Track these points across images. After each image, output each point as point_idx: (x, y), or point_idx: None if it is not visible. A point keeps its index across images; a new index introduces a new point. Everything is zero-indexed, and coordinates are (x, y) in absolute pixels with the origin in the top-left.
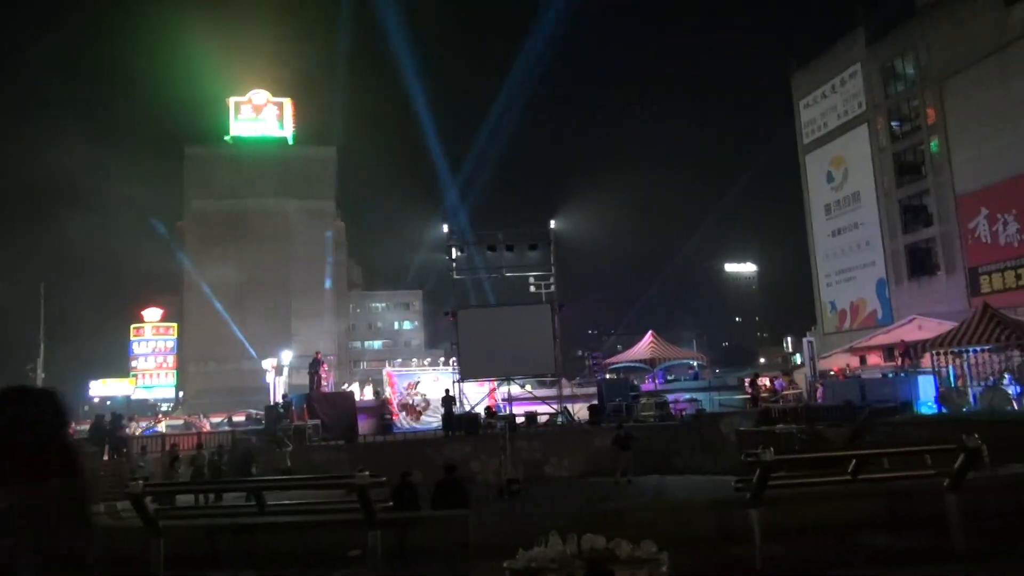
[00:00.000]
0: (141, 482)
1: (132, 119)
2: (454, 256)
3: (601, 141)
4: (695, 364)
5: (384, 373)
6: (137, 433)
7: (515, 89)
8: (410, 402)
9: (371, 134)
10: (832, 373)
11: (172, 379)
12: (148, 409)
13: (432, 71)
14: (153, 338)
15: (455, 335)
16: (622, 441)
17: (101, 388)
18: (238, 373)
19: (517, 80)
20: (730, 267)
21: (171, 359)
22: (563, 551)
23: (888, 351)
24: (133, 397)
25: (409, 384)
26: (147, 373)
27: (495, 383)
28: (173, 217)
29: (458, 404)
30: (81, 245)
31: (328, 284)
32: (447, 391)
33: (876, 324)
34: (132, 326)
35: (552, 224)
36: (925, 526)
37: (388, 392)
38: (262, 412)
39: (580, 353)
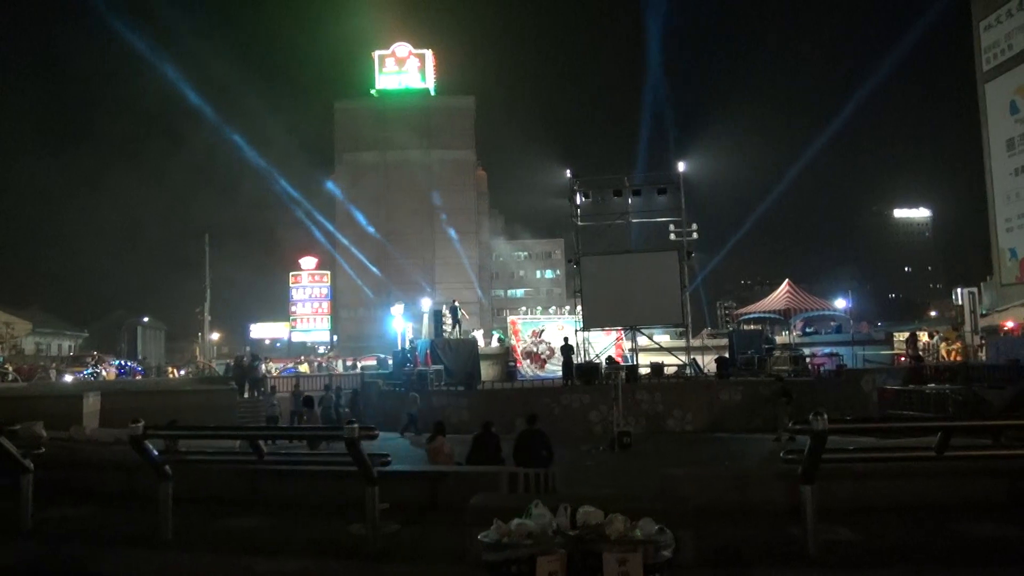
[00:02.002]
0: (141, 425)
1: (286, 80)
2: (578, 202)
3: (741, 77)
4: (839, 316)
5: (508, 320)
6: (275, 373)
7: (648, 26)
8: (534, 350)
9: (510, 82)
10: (1007, 329)
11: (327, 324)
12: (308, 351)
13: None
14: (310, 285)
15: (578, 282)
16: (781, 392)
17: (260, 330)
18: (387, 319)
19: (651, 18)
20: (900, 213)
21: (326, 305)
22: (547, 524)
23: None
24: (292, 340)
25: (534, 332)
26: (304, 318)
27: (621, 332)
28: (327, 170)
29: (582, 353)
30: (244, 204)
31: (470, 233)
32: (565, 339)
33: None
34: (291, 273)
35: (681, 167)
36: None
37: (513, 340)
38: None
39: (716, 303)
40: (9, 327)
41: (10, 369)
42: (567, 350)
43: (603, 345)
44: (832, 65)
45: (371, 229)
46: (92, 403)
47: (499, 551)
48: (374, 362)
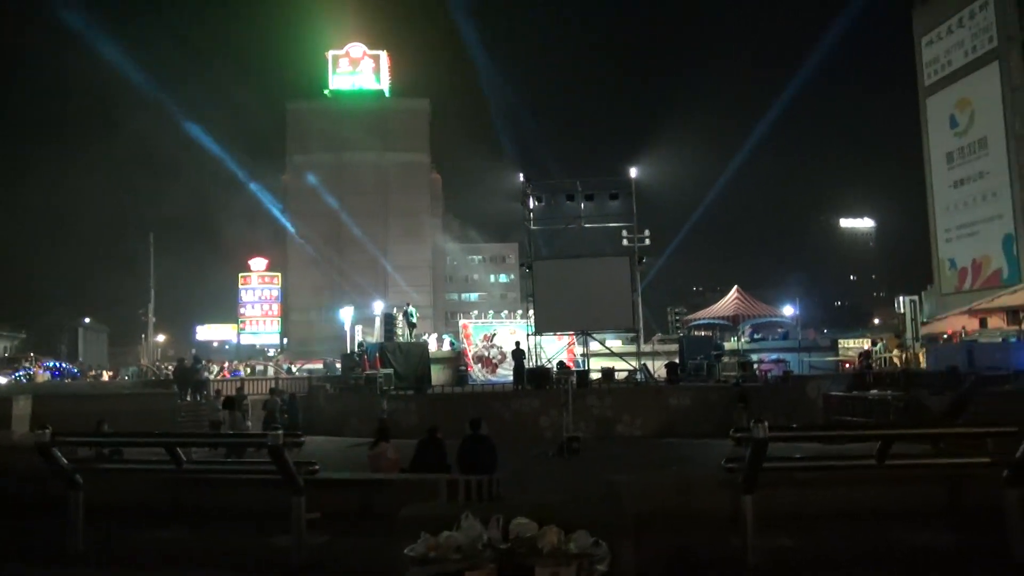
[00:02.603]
0: (48, 431)
1: (236, 77)
2: (531, 206)
3: (690, 83)
4: (786, 322)
5: (460, 324)
6: (215, 376)
7: (596, 29)
8: (486, 354)
9: (464, 85)
10: (946, 336)
11: (277, 326)
12: (257, 354)
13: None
14: (260, 286)
15: (531, 287)
16: (739, 398)
17: (207, 332)
18: (337, 322)
19: (598, 21)
20: (846, 222)
21: (276, 307)
22: (477, 537)
23: (1012, 314)
24: (240, 342)
25: (485, 336)
26: (253, 320)
27: (573, 337)
28: (278, 170)
29: (534, 358)
30: (190, 200)
31: (424, 237)
32: (517, 344)
33: (1001, 284)
34: (240, 275)
35: (633, 172)
36: (977, 524)
37: (464, 344)
38: (338, 360)
39: (667, 309)
40: None
41: None
42: (518, 354)
43: (555, 350)
44: (781, 74)
45: (322, 230)
46: (22, 407)
47: (426, 565)
48: (320, 365)
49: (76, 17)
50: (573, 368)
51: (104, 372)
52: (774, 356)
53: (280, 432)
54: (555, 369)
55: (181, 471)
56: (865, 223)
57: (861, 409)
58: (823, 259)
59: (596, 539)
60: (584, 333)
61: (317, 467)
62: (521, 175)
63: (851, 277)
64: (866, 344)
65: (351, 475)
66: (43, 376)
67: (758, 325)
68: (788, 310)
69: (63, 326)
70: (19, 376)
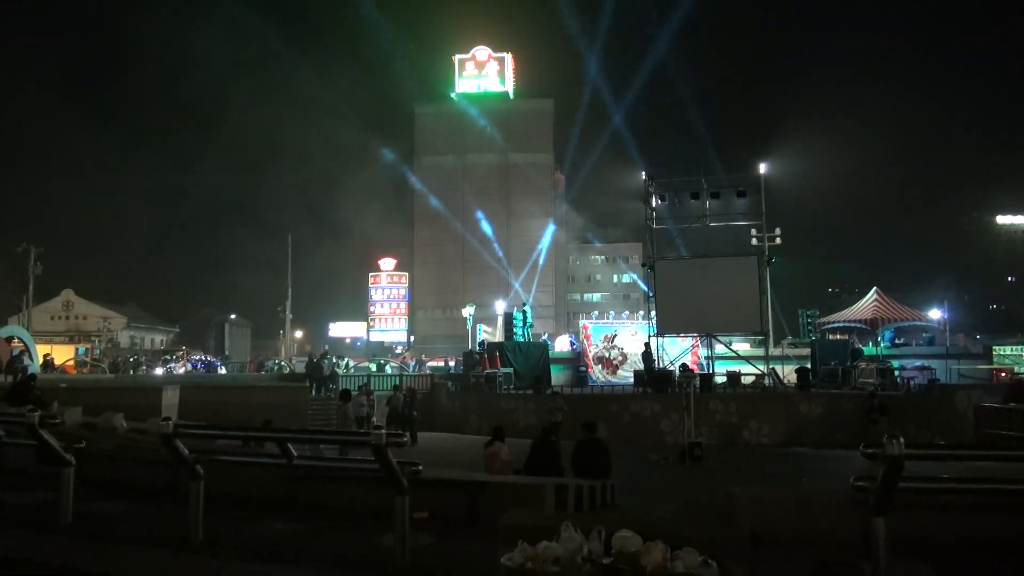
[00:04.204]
0: (171, 422)
1: (366, 83)
2: (654, 204)
3: (824, 72)
4: (932, 327)
5: (580, 325)
6: (342, 372)
7: (728, 24)
8: (606, 355)
9: (589, 83)
10: None
11: (404, 324)
12: (386, 351)
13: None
14: (388, 285)
15: (652, 287)
16: (875, 411)
17: (339, 329)
18: (462, 320)
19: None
20: (1003, 219)
21: (403, 305)
22: (576, 549)
23: None
24: (369, 339)
25: (606, 337)
26: (382, 318)
27: (697, 339)
28: (408, 172)
29: (656, 360)
30: (325, 202)
31: (547, 236)
32: (646, 344)
33: None
34: (370, 274)
35: (762, 169)
36: None
37: (584, 345)
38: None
39: (797, 311)
40: (106, 321)
41: (105, 363)
42: (647, 356)
43: (678, 352)
44: (925, 63)
45: (448, 230)
46: (171, 396)
47: None
48: (442, 363)
49: (207, 19)
50: (697, 371)
51: (249, 364)
52: (918, 363)
53: (383, 431)
54: (678, 372)
55: (292, 466)
56: None
57: (1019, 424)
58: (976, 259)
59: (705, 558)
60: (709, 335)
61: (420, 467)
62: (643, 173)
63: (1009, 279)
64: None
65: (457, 475)
66: (185, 369)
67: (900, 329)
68: (935, 314)
69: (211, 321)
70: (167, 368)
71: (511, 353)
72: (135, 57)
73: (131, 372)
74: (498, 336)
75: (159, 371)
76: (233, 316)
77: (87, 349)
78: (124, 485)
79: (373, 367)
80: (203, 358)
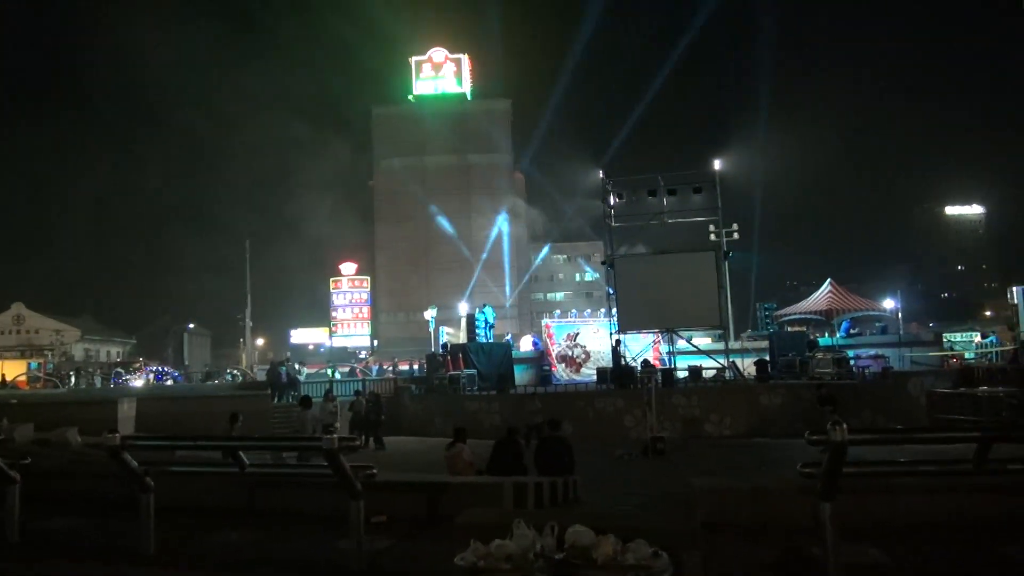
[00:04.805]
0: (118, 435)
1: (323, 84)
2: (612, 202)
3: (780, 66)
4: (885, 316)
5: (542, 324)
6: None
7: (682, 21)
8: (569, 354)
9: (545, 84)
10: None
11: (367, 328)
12: (349, 356)
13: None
14: (349, 290)
15: (612, 284)
16: (824, 400)
17: (301, 335)
18: (425, 323)
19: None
20: (952, 210)
21: (366, 310)
22: (529, 546)
23: None
24: (332, 345)
25: (569, 336)
26: (344, 323)
27: (658, 336)
28: (365, 176)
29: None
30: (283, 206)
31: (507, 236)
32: (617, 341)
33: None
34: (331, 279)
35: (717, 165)
36: None
37: (547, 344)
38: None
39: (755, 305)
40: (59, 334)
41: (59, 378)
42: (616, 353)
43: (639, 348)
44: (876, 57)
45: (409, 233)
46: (127, 409)
47: (475, 575)
48: (406, 367)
49: (158, 14)
50: (659, 367)
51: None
52: (872, 352)
53: (335, 436)
54: (639, 368)
55: (244, 474)
56: (974, 210)
57: (969, 407)
58: (927, 249)
59: (656, 549)
60: (669, 331)
61: (375, 471)
62: (600, 172)
63: (959, 267)
64: (977, 337)
65: (416, 477)
66: (143, 381)
67: (855, 319)
68: (888, 303)
69: (169, 331)
70: (121, 381)
71: (474, 354)
72: (82, 52)
73: (72, 384)
74: (461, 338)
75: (113, 384)
76: (192, 325)
77: (40, 364)
78: (79, 500)
79: (330, 373)
80: (161, 369)
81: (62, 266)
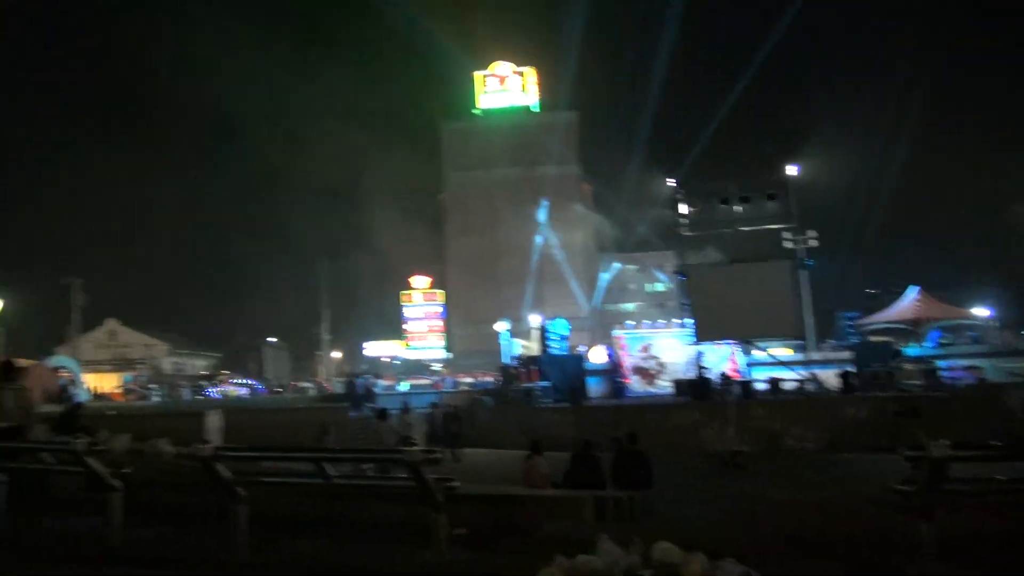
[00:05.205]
0: (211, 445)
1: (392, 102)
2: (685, 212)
3: (860, 62)
4: (980, 324)
5: (613, 336)
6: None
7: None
8: (643, 365)
9: (612, 92)
10: None
11: (441, 341)
12: (422, 369)
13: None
14: (423, 304)
15: (687, 295)
16: (906, 413)
17: (375, 348)
18: (496, 335)
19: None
20: None
21: (439, 322)
22: (614, 563)
23: None
24: (406, 357)
25: (642, 347)
26: (417, 335)
27: (735, 346)
28: (431, 189)
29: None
30: (352, 220)
31: (577, 248)
32: (699, 353)
33: None
34: (401, 292)
35: (792, 171)
36: None
37: (620, 355)
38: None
39: (836, 314)
40: (149, 348)
41: (154, 388)
42: (698, 365)
43: (716, 359)
44: (967, 48)
45: (479, 245)
46: (215, 420)
47: None
48: (476, 379)
49: (229, 41)
50: (737, 378)
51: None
52: (965, 363)
53: (418, 449)
54: (717, 380)
55: (330, 484)
56: None
57: None
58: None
59: (746, 569)
60: (746, 341)
61: (456, 484)
62: (671, 180)
63: None
64: None
65: (495, 490)
66: (233, 392)
67: (945, 329)
68: (982, 311)
69: (250, 345)
70: (210, 393)
71: (547, 366)
72: (160, 74)
73: (159, 396)
74: (534, 349)
75: (202, 396)
76: (272, 339)
77: (133, 377)
78: (172, 509)
79: (406, 387)
80: (247, 382)
81: (149, 282)
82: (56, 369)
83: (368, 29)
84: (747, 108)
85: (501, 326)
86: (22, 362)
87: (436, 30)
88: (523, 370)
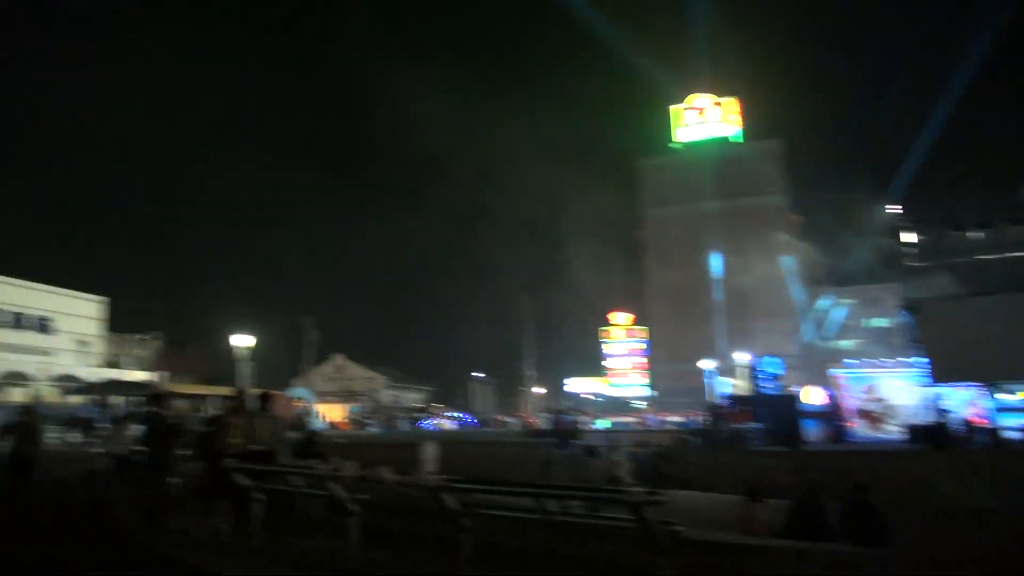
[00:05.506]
0: (439, 476)
1: (587, 139)
2: (913, 240)
3: None
4: None
5: (830, 376)
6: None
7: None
8: (867, 408)
9: (819, 117)
10: None
11: (644, 378)
12: (622, 406)
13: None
14: (624, 340)
15: (919, 331)
16: None
17: (574, 384)
18: (699, 373)
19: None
20: None
21: (643, 359)
22: None
23: None
24: (608, 394)
25: (866, 388)
26: (619, 372)
27: (979, 389)
28: (630, 226)
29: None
30: (551, 256)
31: (785, 281)
32: (937, 396)
33: None
34: (600, 329)
35: None
36: None
37: (839, 396)
38: (703, 413)
39: None
40: (370, 381)
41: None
42: (938, 410)
43: (955, 403)
44: None
45: (681, 281)
46: (430, 451)
47: None
48: (684, 419)
49: (432, 82)
50: (983, 424)
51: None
52: None
53: (640, 490)
54: (958, 426)
55: (550, 519)
56: None
57: None
58: None
59: None
60: (992, 384)
61: (681, 528)
62: (892, 207)
63: None
64: None
65: (718, 537)
66: (446, 424)
67: None
68: None
69: (458, 379)
70: (426, 424)
71: (759, 407)
72: (370, 118)
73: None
74: (742, 388)
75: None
76: (479, 374)
77: (358, 407)
78: (395, 535)
79: (607, 424)
80: (457, 415)
81: (359, 317)
82: (294, 399)
83: (563, 71)
84: (972, 122)
85: (706, 364)
86: (273, 393)
87: (630, 67)
88: (734, 410)
